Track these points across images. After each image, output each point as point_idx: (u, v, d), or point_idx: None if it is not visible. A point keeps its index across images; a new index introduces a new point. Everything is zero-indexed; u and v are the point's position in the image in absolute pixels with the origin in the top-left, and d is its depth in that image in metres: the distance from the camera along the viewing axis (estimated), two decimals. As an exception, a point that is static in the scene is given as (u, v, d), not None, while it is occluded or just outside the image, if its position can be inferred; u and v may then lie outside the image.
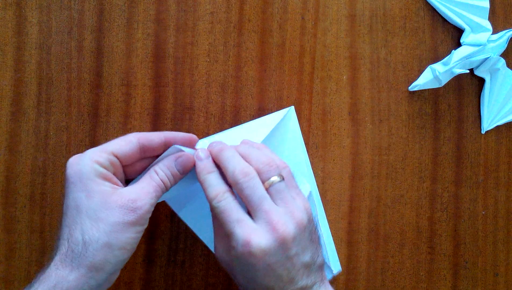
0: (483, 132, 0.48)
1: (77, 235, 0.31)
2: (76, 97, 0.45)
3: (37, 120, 0.45)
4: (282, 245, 0.32)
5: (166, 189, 0.35)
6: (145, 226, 0.33)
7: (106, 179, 0.33)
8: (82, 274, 0.31)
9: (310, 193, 0.43)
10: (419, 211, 0.47)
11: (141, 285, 0.45)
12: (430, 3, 0.47)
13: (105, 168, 0.33)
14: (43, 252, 0.45)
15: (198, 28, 0.46)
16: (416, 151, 0.47)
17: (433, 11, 0.47)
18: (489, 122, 0.47)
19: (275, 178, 0.34)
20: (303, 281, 0.33)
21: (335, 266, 0.45)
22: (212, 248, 0.43)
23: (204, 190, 0.34)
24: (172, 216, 0.46)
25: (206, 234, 0.43)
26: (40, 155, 0.45)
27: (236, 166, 0.34)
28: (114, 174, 0.34)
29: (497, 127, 0.48)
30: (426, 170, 0.47)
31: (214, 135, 0.43)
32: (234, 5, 0.46)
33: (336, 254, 0.46)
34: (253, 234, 0.32)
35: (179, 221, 0.45)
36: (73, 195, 0.32)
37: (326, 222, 0.46)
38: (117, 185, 0.33)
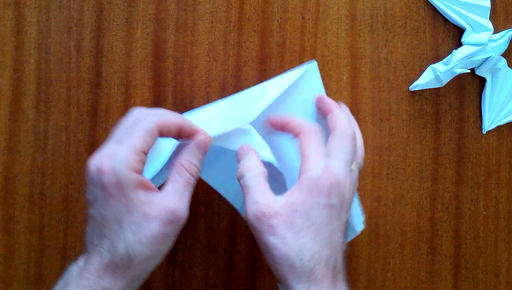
0: (484, 132, 0.47)
1: (121, 250, 0.31)
2: (75, 97, 0.45)
3: (36, 120, 0.45)
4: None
5: (195, 179, 0.34)
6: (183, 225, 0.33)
7: (142, 187, 0.32)
8: (125, 285, 0.32)
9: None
10: (419, 212, 0.47)
11: (140, 286, 0.45)
12: (431, 2, 0.47)
13: (140, 172, 0.32)
14: (42, 253, 0.45)
15: (197, 28, 0.45)
16: (417, 151, 0.47)
17: (434, 10, 0.47)
18: (490, 122, 0.47)
19: None
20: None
21: (358, 225, 0.41)
22: (238, 206, 0.42)
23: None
24: (172, 217, 0.45)
25: (231, 194, 0.41)
26: (39, 155, 0.45)
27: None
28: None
29: (498, 127, 0.47)
30: (427, 170, 0.47)
31: (218, 101, 0.40)
32: (234, 4, 0.46)
33: (361, 213, 0.42)
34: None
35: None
36: (114, 209, 0.31)
37: None
38: (150, 189, 0.32)
